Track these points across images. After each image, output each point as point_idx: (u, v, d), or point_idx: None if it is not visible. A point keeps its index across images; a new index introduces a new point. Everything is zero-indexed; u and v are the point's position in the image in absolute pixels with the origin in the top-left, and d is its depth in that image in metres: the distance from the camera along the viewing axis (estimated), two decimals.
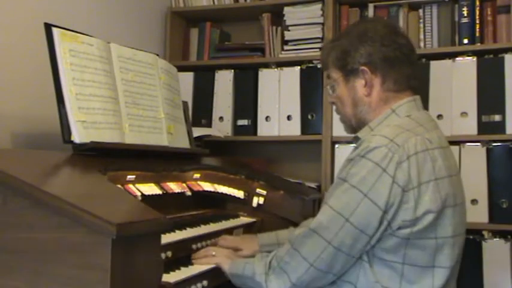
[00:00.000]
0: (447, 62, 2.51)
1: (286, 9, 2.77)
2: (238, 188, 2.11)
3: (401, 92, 1.51)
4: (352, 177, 1.37)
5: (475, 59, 2.46)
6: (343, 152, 2.55)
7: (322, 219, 1.38)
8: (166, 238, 1.50)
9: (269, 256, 1.49)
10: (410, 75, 1.53)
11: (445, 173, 1.39)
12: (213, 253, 1.61)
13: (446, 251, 1.39)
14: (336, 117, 2.12)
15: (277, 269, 1.43)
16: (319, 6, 2.71)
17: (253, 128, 2.78)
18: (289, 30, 2.77)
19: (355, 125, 1.58)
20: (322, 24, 2.70)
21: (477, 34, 2.51)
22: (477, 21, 2.51)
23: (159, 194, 1.74)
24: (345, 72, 1.54)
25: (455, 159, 1.50)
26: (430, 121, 1.50)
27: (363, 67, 1.50)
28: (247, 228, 2.02)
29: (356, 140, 1.53)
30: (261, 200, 2.09)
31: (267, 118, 2.76)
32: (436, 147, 1.41)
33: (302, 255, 1.39)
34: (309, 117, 2.69)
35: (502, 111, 2.40)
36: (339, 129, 2.44)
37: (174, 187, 1.83)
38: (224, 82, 2.84)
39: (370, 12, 2.68)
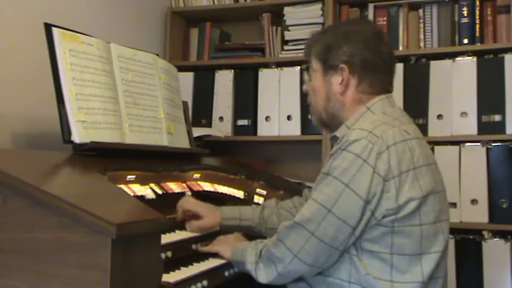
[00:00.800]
0: (447, 62, 2.51)
1: (286, 9, 2.77)
2: (238, 188, 2.11)
3: (375, 95, 1.55)
4: (334, 170, 1.41)
5: (475, 59, 2.46)
6: None
7: (306, 212, 1.42)
8: (166, 238, 1.51)
9: (261, 244, 1.53)
10: (387, 82, 1.57)
11: (424, 162, 1.43)
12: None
13: (432, 237, 1.42)
14: None
15: (265, 258, 1.48)
16: (319, 6, 2.71)
17: (253, 128, 2.78)
18: (289, 30, 2.77)
19: (325, 119, 1.61)
20: (322, 24, 2.69)
21: (477, 34, 2.51)
22: (477, 21, 2.51)
23: (159, 194, 1.74)
24: (325, 66, 1.58)
25: (430, 151, 1.54)
26: (404, 115, 1.55)
27: (342, 65, 1.54)
28: None
29: (334, 139, 1.57)
30: (261, 200, 2.09)
31: (267, 118, 2.76)
32: (414, 137, 1.45)
33: (287, 246, 1.43)
34: (309, 117, 2.68)
35: (502, 111, 2.40)
36: None
37: (174, 187, 1.83)
38: (224, 82, 2.84)
39: (370, 12, 2.68)
